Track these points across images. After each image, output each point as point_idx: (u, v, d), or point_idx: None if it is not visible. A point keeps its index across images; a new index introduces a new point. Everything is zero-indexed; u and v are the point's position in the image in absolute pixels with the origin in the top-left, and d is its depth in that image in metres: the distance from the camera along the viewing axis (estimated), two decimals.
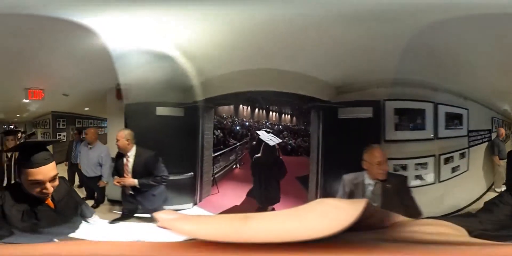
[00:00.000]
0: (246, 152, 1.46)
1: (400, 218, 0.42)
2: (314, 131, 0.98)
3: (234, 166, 1.46)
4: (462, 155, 0.58)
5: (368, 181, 0.64)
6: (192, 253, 0.31)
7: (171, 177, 0.93)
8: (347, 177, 0.70)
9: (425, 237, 0.36)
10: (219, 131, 1.45)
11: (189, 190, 1.04)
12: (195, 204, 1.07)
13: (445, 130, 0.56)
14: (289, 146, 1.50)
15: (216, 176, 1.29)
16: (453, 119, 0.55)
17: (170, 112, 0.91)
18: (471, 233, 0.41)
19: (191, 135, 0.96)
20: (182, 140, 0.98)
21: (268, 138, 1.33)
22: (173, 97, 0.89)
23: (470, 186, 0.65)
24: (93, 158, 0.89)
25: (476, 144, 0.62)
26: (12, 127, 0.89)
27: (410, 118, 0.56)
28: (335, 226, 0.29)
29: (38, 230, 0.83)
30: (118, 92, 0.81)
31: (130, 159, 0.87)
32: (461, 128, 0.58)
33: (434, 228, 0.39)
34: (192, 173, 1.05)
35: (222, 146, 1.43)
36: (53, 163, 0.87)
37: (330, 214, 0.31)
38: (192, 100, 0.90)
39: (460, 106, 0.59)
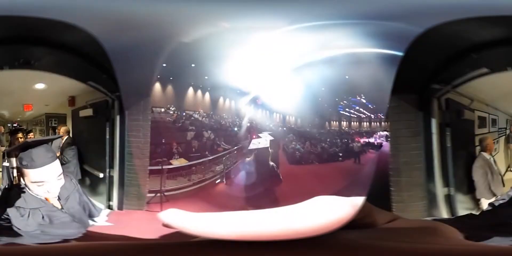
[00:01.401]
0: (241, 161, 1.28)
1: (394, 217, 0.48)
2: (406, 130, 0.95)
3: (218, 181, 1.26)
4: (497, 142, 0.98)
5: (488, 156, 0.95)
6: (194, 252, 0.36)
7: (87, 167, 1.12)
8: (481, 161, 0.94)
9: (417, 237, 0.41)
10: (209, 132, 1.34)
11: (102, 191, 1.13)
12: (109, 207, 1.14)
13: (491, 128, 0.97)
14: (297, 153, 1.37)
15: (170, 193, 1.16)
16: (494, 121, 0.96)
17: (85, 113, 1.09)
18: (467, 234, 0.46)
19: (102, 138, 1.05)
20: (96, 143, 1.12)
21: (257, 141, 1.22)
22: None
23: (500, 163, 1.00)
24: (57, 143, 1.11)
25: (500, 136, 1.03)
26: (15, 125, 1.08)
27: (482, 122, 0.95)
28: (333, 223, 0.35)
29: (44, 230, 0.88)
30: (69, 101, 1.06)
31: (62, 143, 1.13)
32: (496, 126, 0.99)
33: (427, 228, 0.44)
34: (102, 175, 1.13)
35: (207, 152, 1.28)
36: (57, 160, 0.94)
37: (329, 212, 0.37)
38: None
39: (495, 115, 0.97)
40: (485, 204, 0.94)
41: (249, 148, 1.23)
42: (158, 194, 1.15)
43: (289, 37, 1.12)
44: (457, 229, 0.47)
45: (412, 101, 0.89)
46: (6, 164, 1.02)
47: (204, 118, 1.40)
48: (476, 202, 0.96)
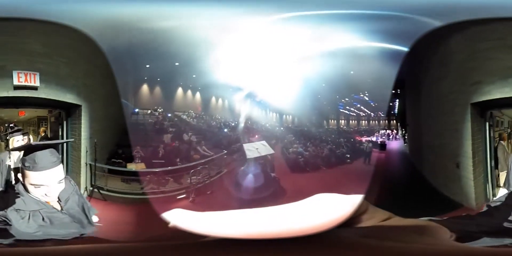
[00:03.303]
0: (226, 172, 1.19)
1: (389, 216, 0.50)
2: (465, 132, 1.41)
3: (182, 196, 1.16)
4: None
5: (504, 143, 1.44)
6: (199, 253, 0.39)
7: None
8: (501, 145, 1.45)
9: (409, 236, 0.44)
10: (190, 133, 1.26)
11: None
12: None
13: (501, 127, 1.42)
14: (300, 158, 1.26)
15: (117, 194, 1.22)
16: (502, 122, 1.41)
17: (52, 120, 1.45)
18: (460, 235, 0.48)
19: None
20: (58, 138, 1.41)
21: (252, 147, 1.13)
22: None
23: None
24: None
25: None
26: (12, 125, 1.30)
27: (496, 123, 1.39)
28: (333, 221, 0.37)
29: (45, 232, 0.95)
30: (48, 110, 1.42)
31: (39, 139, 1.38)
32: (503, 126, 1.45)
33: (419, 228, 0.47)
34: None
35: (178, 160, 1.21)
36: (60, 166, 1.00)
37: (329, 210, 0.39)
38: None
39: (503, 118, 1.45)
40: (502, 178, 1.46)
41: (248, 157, 1.14)
42: (96, 190, 1.27)
43: (281, 26, 1.10)
44: (450, 230, 0.49)
45: (479, 112, 1.43)
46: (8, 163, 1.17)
47: (192, 119, 1.36)
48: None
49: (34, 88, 1.22)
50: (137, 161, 1.25)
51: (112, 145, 1.35)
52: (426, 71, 1.48)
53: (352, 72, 1.29)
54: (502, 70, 1.32)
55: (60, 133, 1.40)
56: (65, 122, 1.39)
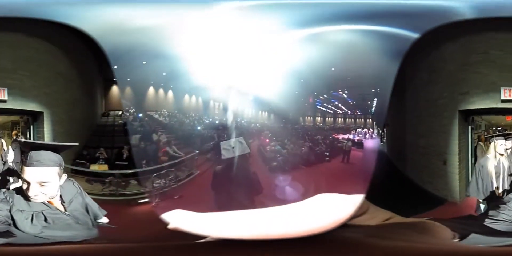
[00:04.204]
0: (198, 174, 1.15)
1: (391, 215, 0.48)
2: (452, 137, 1.55)
3: (144, 200, 1.14)
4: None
5: (482, 144, 1.54)
6: (200, 253, 0.35)
7: None
8: (479, 145, 1.58)
9: (410, 236, 0.41)
10: (159, 133, 1.23)
11: None
12: None
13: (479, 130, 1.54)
14: (278, 156, 1.20)
15: None
16: (480, 126, 1.54)
17: (22, 124, 1.52)
18: (464, 235, 0.46)
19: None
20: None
21: (229, 146, 1.09)
22: None
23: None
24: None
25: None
26: None
27: (476, 126, 1.57)
28: (336, 221, 0.35)
29: (49, 233, 0.99)
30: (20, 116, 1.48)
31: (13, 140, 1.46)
32: (480, 129, 1.55)
33: (421, 228, 0.44)
34: None
35: (144, 162, 1.18)
36: (47, 168, 1.05)
37: (330, 210, 0.36)
38: None
39: (480, 122, 1.56)
40: None
41: (223, 157, 1.09)
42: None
43: (255, 16, 1.06)
44: (453, 230, 0.48)
45: (464, 117, 1.56)
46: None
47: (165, 118, 1.32)
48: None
49: (4, 101, 1.39)
50: (100, 162, 1.35)
51: (79, 147, 1.38)
52: (415, 74, 1.55)
53: (333, 69, 1.24)
54: (485, 84, 1.49)
55: (28, 136, 1.53)
56: (31, 126, 1.53)
